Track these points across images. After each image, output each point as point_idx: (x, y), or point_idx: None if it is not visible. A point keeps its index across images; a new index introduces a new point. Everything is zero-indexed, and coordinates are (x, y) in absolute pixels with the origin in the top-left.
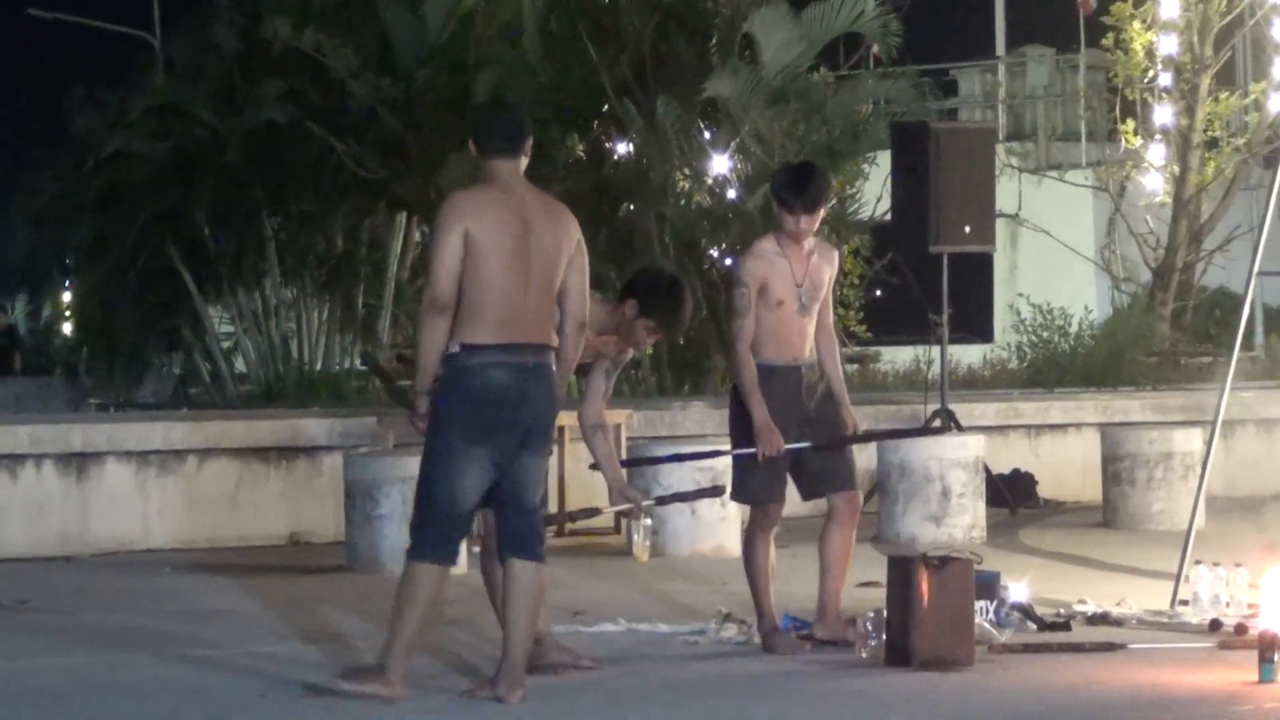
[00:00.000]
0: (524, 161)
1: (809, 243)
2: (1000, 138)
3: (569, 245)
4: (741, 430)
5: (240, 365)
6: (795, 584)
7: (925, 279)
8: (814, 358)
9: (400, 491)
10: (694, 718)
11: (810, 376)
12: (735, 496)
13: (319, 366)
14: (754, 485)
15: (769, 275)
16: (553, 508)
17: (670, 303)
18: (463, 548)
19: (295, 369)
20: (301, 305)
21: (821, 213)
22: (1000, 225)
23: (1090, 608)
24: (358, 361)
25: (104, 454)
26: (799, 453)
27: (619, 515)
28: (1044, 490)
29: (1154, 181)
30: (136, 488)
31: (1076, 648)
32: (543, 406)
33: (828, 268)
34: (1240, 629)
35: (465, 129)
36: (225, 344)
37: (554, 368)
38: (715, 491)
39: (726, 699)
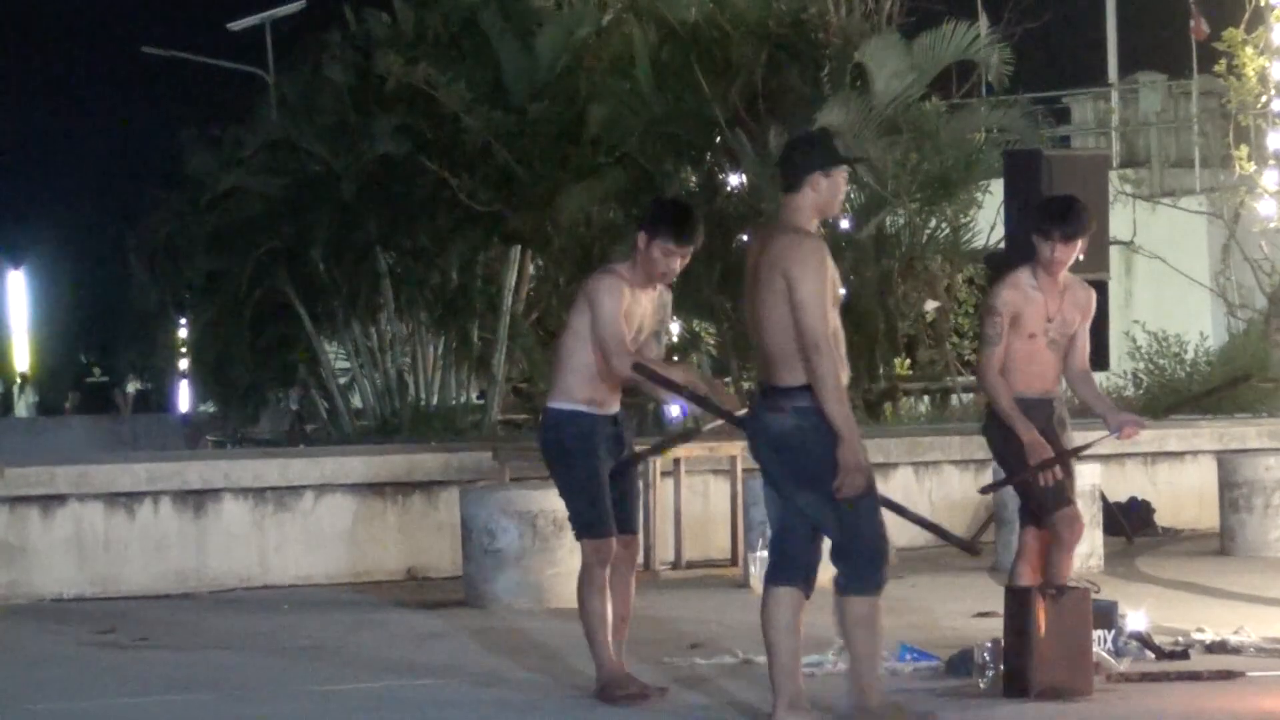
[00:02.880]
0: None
1: (1064, 278)
2: (1113, 165)
3: None
4: (1011, 453)
5: (356, 400)
6: (911, 613)
7: None
8: (1062, 392)
9: (516, 526)
10: None
11: (1060, 411)
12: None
13: (435, 401)
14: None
15: (1022, 307)
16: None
17: (674, 213)
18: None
19: (411, 404)
20: (417, 340)
21: (1080, 244)
22: (1115, 252)
23: (1208, 636)
24: (474, 396)
25: (221, 491)
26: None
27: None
28: (1161, 518)
29: (1268, 207)
30: (254, 524)
31: (1194, 676)
32: None
33: (1079, 309)
34: None
35: (579, 161)
36: (341, 379)
37: None
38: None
39: None
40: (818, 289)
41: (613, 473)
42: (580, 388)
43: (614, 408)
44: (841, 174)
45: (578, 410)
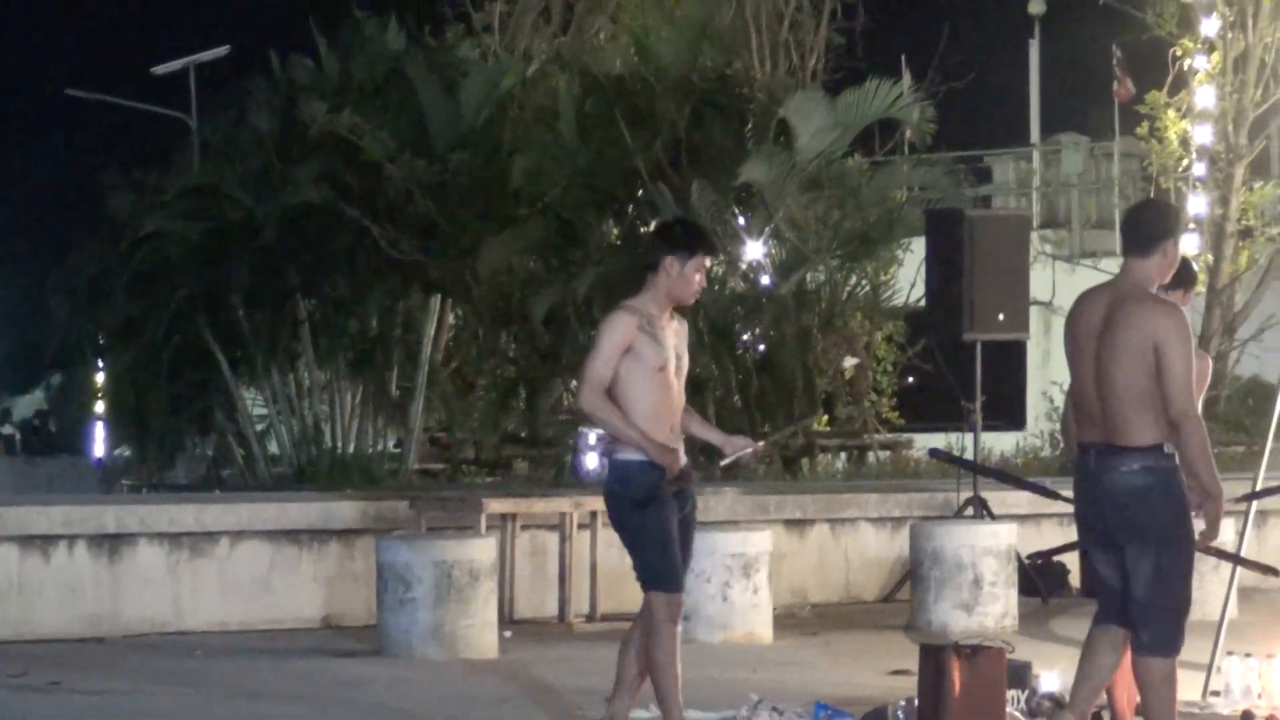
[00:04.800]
0: None
1: None
2: (1034, 225)
3: None
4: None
5: (273, 447)
6: (826, 670)
7: (958, 366)
8: None
9: (432, 576)
10: None
11: None
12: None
13: (351, 449)
14: None
15: None
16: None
17: (695, 229)
18: None
19: (328, 452)
20: (334, 388)
21: (1189, 299)
22: (1034, 313)
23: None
24: (391, 444)
25: (136, 535)
26: None
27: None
28: (1076, 579)
29: None
30: (168, 569)
31: None
32: None
33: None
34: None
35: (501, 212)
36: (258, 426)
37: None
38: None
39: None
40: (1189, 359)
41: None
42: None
43: (681, 458)
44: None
45: (647, 461)
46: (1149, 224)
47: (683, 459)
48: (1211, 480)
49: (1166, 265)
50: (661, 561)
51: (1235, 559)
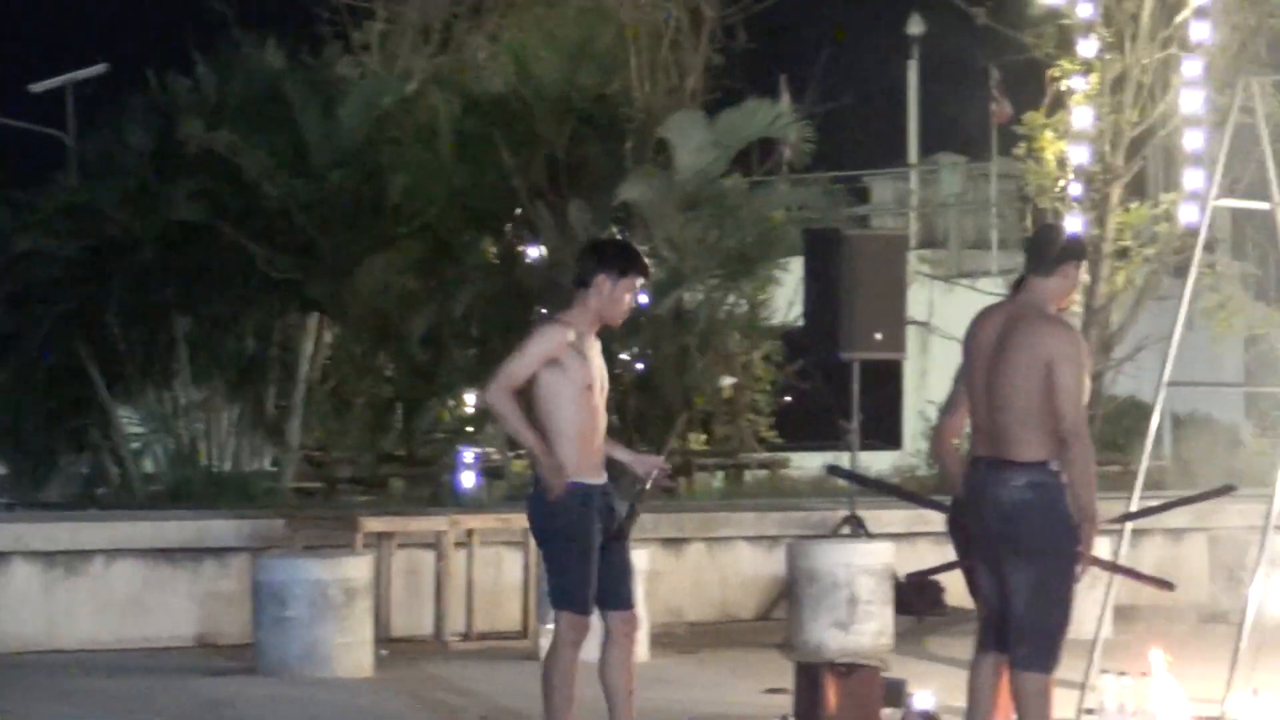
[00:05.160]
0: None
1: None
2: (912, 245)
3: None
4: None
5: (149, 465)
6: (702, 689)
7: (835, 385)
8: None
9: (308, 595)
10: None
11: None
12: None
13: (228, 467)
14: None
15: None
16: (460, 615)
17: (627, 249)
18: None
19: (204, 470)
20: (211, 406)
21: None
22: (911, 332)
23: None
24: (267, 463)
25: (10, 554)
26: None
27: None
28: (952, 598)
29: None
30: (43, 588)
31: None
32: None
33: None
34: None
35: (379, 231)
36: (134, 444)
37: None
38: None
39: None
40: (1082, 379)
41: (604, 546)
42: (571, 457)
43: (603, 477)
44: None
45: (574, 483)
46: (1052, 245)
47: (604, 477)
48: (1090, 501)
49: (1067, 287)
50: (572, 583)
51: (1131, 573)
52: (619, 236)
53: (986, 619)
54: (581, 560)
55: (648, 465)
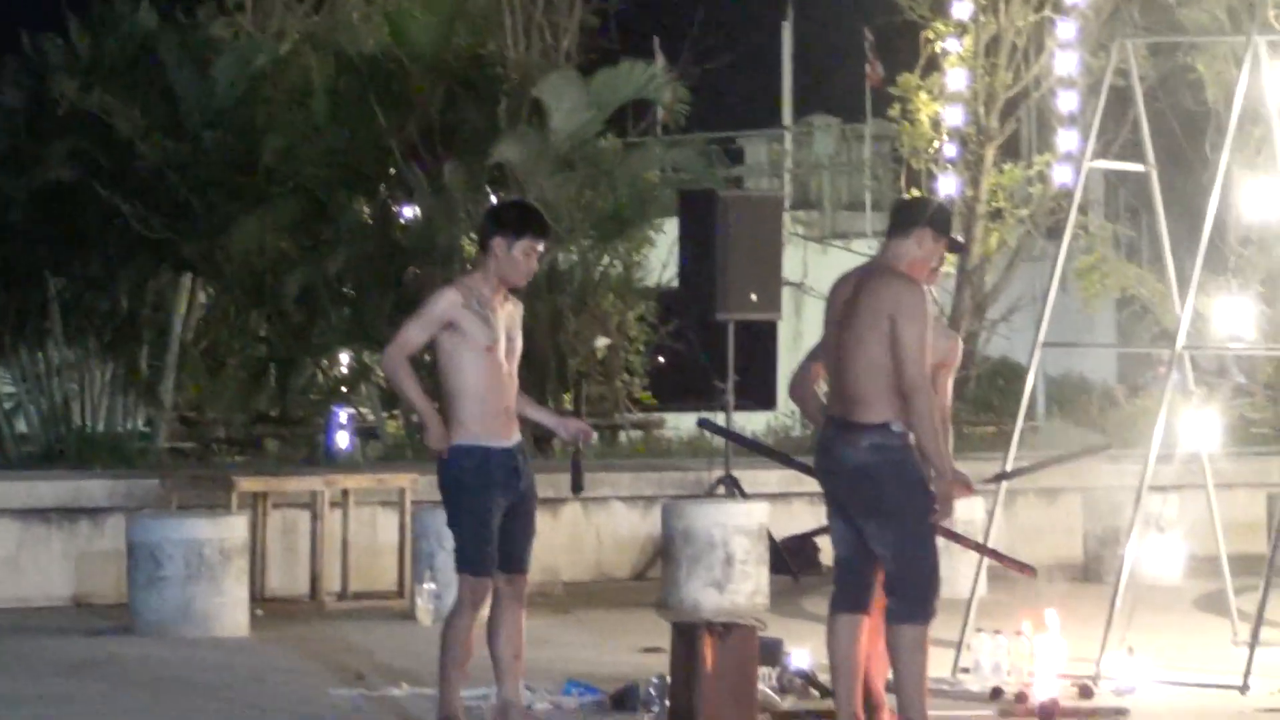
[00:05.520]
0: None
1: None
2: (786, 206)
3: None
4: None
5: (21, 426)
6: (578, 648)
7: (711, 346)
8: None
9: (183, 554)
10: None
11: None
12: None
13: (101, 427)
14: None
15: None
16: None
17: (524, 211)
18: None
19: (77, 430)
20: (84, 366)
21: (937, 279)
22: (785, 293)
23: None
24: (141, 423)
25: None
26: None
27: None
28: (826, 558)
29: None
30: None
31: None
32: None
33: (935, 353)
34: (1021, 697)
35: (253, 191)
36: (7, 405)
37: None
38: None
39: None
40: (922, 333)
41: (510, 509)
42: (468, 415)
43: (511, 439)
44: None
45: (470, 445)
46: (910, 210)
47: (517, 438)
48: (938, 456)
49: (923, 255)
50: (472, 545)
51: (993, 554)
52: (520, 199)
53: (839, 576)
54: (476, 522)
55: (572, 429)
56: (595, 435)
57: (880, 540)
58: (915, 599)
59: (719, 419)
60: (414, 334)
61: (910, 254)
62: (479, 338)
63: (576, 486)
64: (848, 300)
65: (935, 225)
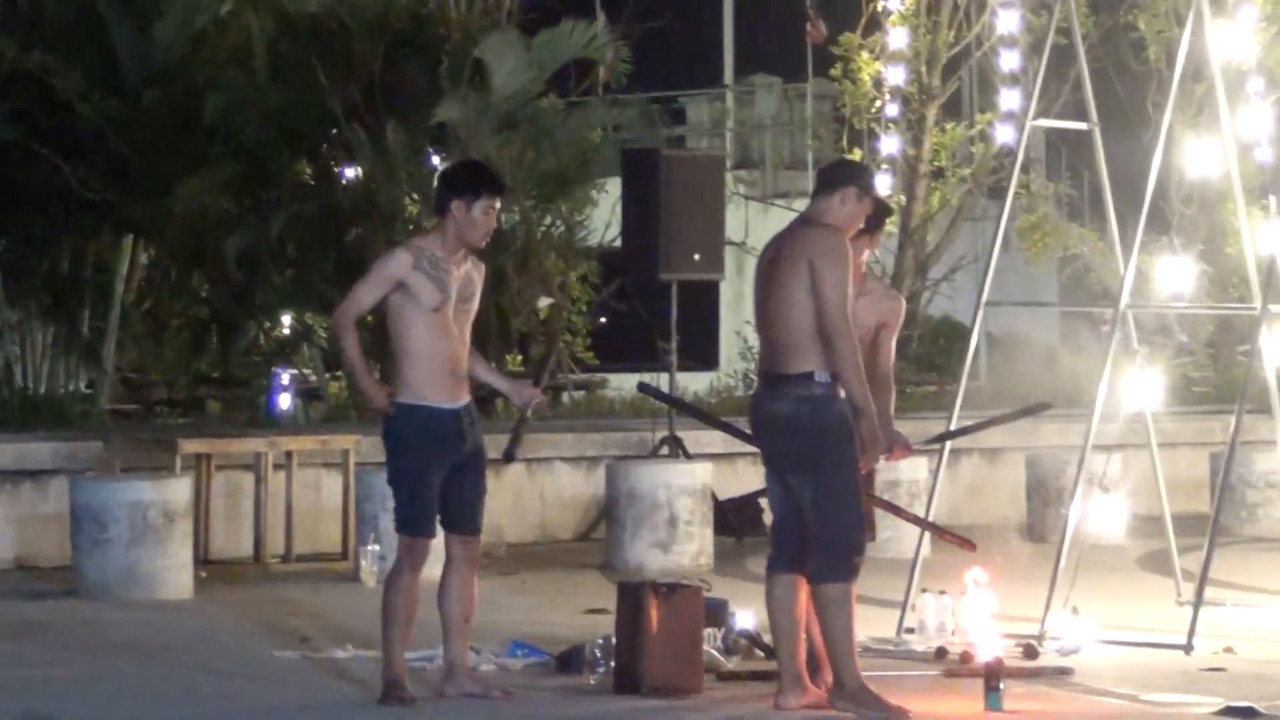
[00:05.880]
0: None
1: (869, 283)
2: (728, 166)
3: None
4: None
5: None
6: (523, 610)
7: (653, 306)
8: None
9: (127, 517)
10: None
11: None
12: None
13: (43, 389)
14: None
15: None
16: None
17: (478, 170)
18: None
19: (19, 392)
20: (26, 328)
21: (878, 241)
22: (728, 253)
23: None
24: (83, 385)
25: None
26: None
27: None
28: (770, 518)
29: None
30: None
31: None
32: None
33: (877, 314)
34: (965, 657)
35: (194, 151)
36: None
37: None
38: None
39: None
40: (843, 278)
41: (457, 469)
42: (415, 376)
43: (459, 401)
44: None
45: (415, 404)
46: (836, 171)
47: (465, 399)
48: (862, 397)
49: (847, 215)
50: (411, 506)
51: (934, 529)
52: (470, 160)
53: (775, 536)
54: (415, 482)
55: (525, 396)
56: (547, 402)
57: (804, 493)
58: (837, 556)
59: (662, 379)
60: (364, 295)
61: (834, 212)
62: (426, 299)
63: (509, 455)
64: (771, 258)
65: (860, 184)
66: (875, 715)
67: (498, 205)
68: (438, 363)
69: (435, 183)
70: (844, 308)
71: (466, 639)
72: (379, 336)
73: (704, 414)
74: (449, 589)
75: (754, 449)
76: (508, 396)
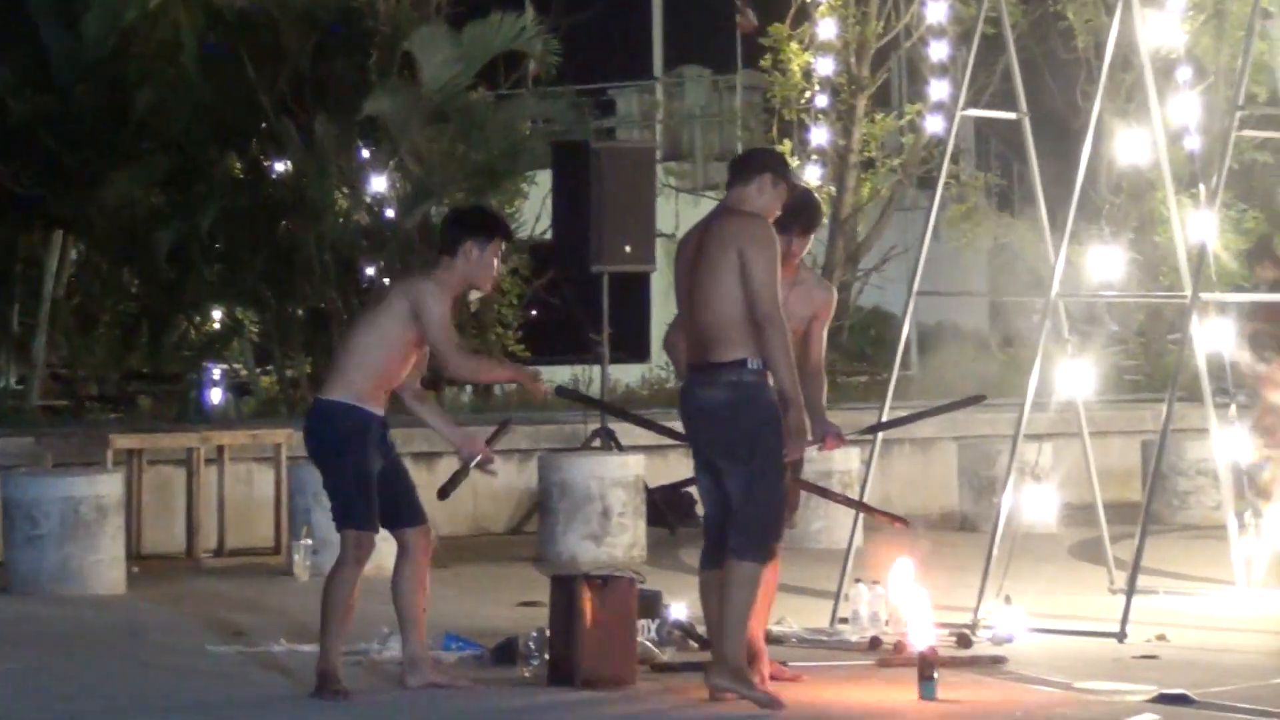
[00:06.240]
0: None
1: (802, 274)
2: (658, 158)
3: None
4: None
5: None
6: (456, 602)
7: (585, 298)
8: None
9: (59, 512)
10: None
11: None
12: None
13: None
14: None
15: None
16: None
17: (491, 215)
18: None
19: None
20: None
21: (810, 240)
22: (659, 245)
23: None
24: (13, 381)
25: None
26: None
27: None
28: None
29: None
30: None
31: None
32: None
33: (810, 305)
34: (899, 647)
35: (124, 146)
36: None
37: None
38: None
39: (385, 718)
40: (772, 264)
41: (385, 471)
42: (364, 386)
43: (383, 410)
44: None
45: (353, 405)
46: (751, 158)
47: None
48: (791, 386)
49: (765, 203)
50: (355, 501)
51: (864, 508)
52: (478, 205)
53: (707, 532)
54: (360, 479)
55: (471, 452)
56: (496, 468)
57: (731, 478)
58: (755, 538)
59: (594, 372)
60: (448, 327)
61: (752, 201)
62: (415, 333)
63: (443, 494)
64: (696, 247)
65: (774, 170)
66: (754, 696)
67: (506, 246)
68: (386, 382)
69: (446, 222)
70: (775, 294)
71: (423, 632)
72: (313, 328)
73: (624, 412)
74: (407, 581)
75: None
76: (452, 446)
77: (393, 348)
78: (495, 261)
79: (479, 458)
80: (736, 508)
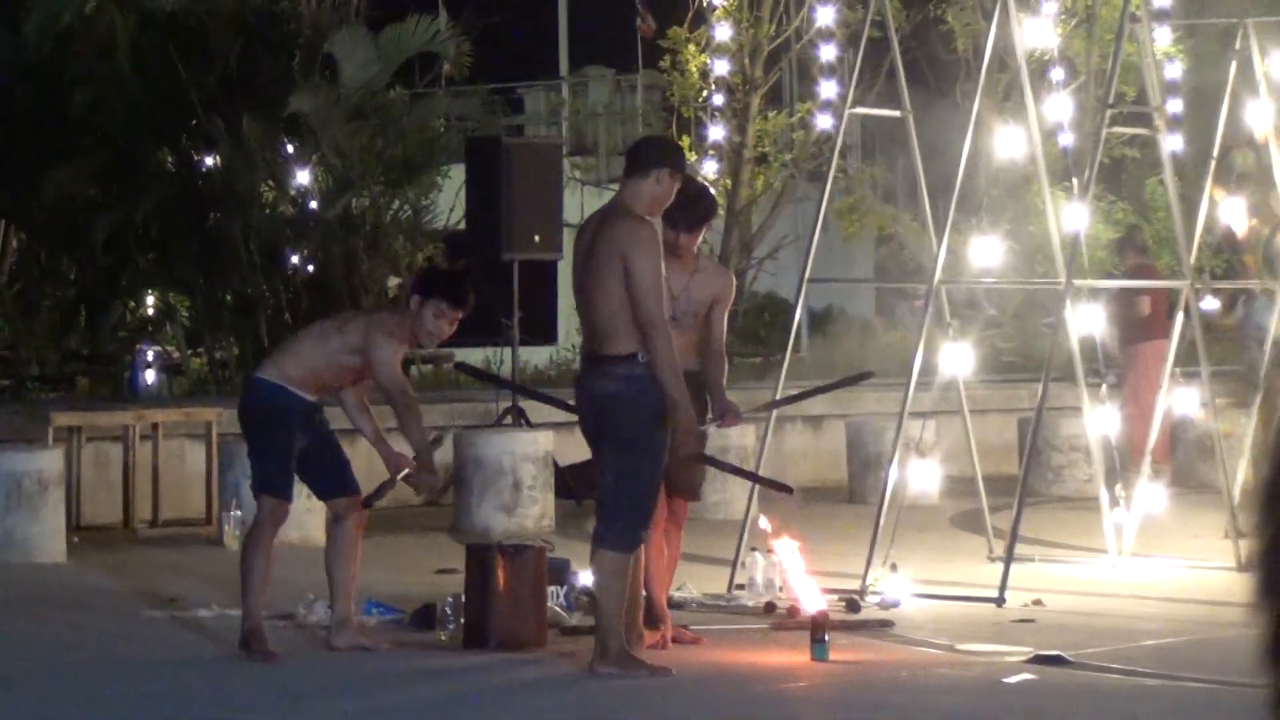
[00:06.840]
0: None
1: (703, 262)
2: (565, 153)
3: None
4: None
5: None
6: (377, 570)
7: (496, 285)
8: (694, 368)
9: (3, 485)
10: (273, 698)
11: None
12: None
13: None
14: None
15: None
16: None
17: (448, 280)
18: None
19: None
20: None
21: (701, 233)
22: (565, 234)
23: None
24: None
25: None
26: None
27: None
28: None
29: None
30: None
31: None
32: None
33: (710, 291)
34: (792, 611)
35: (63, 142)
36: None
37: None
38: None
39: (310, 679)
40: (655, 269)
41: (317, 448)
42: (295, 372)
43: (314, 396)
44: (678, 181)
45: (282, 386)
46: (646, 151)
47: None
48: (675, 388)
49: (661, 194)
50: (274, 468)
51: (753, 477)
52: (452, 269)
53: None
54: (279, 451)
55: (397, 466)
56: (437, 486)
57: (609, 466)
58: (623, 528)
59: (505, 354)
60: (405, 381)
61: (649, 193)
62: (360, 361)
63: (369, 502)
64: (589, 243)
65: (672, 164)
66: (640, 675)
67: (449, 313)
68: (317, 384)
69: (417, 273)
70: (659, 300)
71: (351, 600)
72: (241, 313)
73: (520, 387)
74: (339, 548)
75: None
76: (384, 461)
77: (330, 368)
78: (443, 325)
79: (404, 472)
80: (606, 495)
